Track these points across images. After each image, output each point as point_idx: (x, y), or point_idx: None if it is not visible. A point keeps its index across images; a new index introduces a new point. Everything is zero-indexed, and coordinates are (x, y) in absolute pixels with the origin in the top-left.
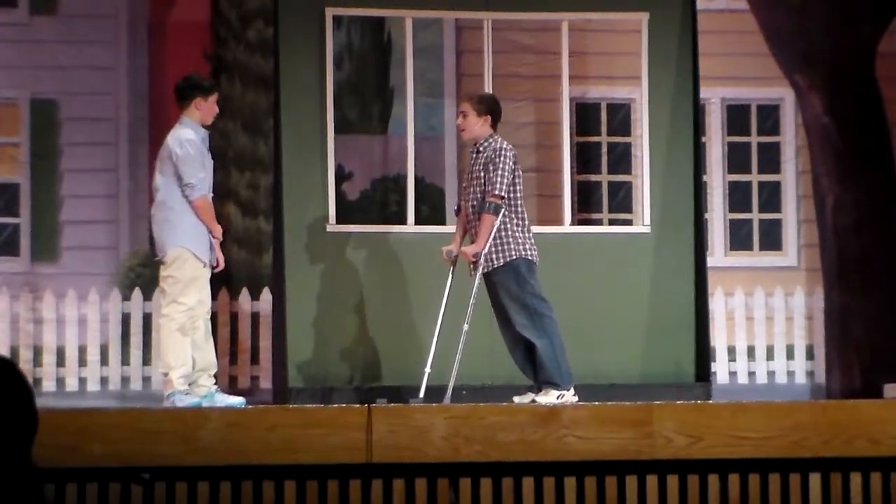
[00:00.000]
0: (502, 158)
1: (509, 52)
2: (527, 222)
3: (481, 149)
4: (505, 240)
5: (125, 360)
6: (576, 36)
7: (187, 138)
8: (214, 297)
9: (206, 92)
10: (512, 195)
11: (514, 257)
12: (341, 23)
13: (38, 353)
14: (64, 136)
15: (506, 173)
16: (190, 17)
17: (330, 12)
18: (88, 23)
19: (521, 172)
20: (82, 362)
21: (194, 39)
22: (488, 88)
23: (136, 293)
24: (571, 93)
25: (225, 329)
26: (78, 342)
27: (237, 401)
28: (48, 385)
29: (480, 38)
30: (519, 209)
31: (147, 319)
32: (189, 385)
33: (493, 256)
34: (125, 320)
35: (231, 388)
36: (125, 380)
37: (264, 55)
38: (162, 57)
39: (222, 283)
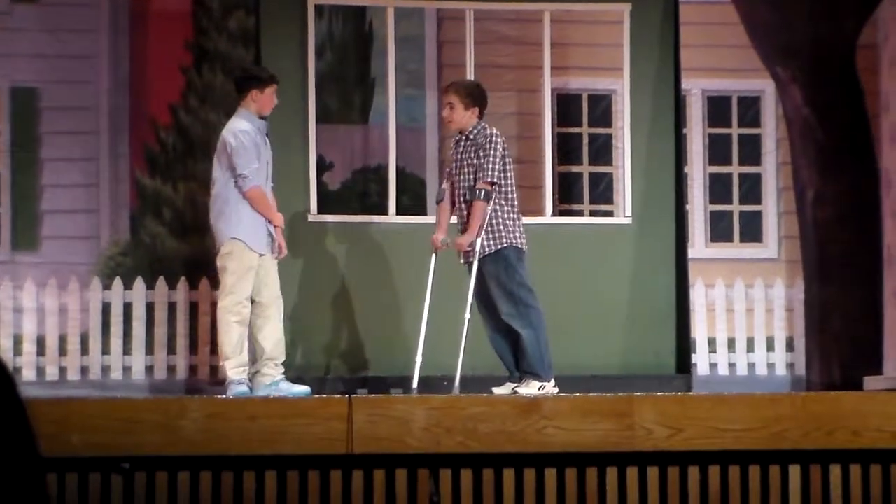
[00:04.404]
0: (493, 145)
1: (491, 42)
2: (517, 209)
3: (471, 136)
4: (497, 227)
5: (106, 350)
6: (557, 26)
7: (241, 129)
8: (195, 286)
9: (262, 84)
10: (503, 182)
11: (505, 245)
12: (323, 12)
13: (18, 342)
14: (44, 125)
15: (497, 160)
16: (171, 7)
17: (312, 2)
18: (69, 11)
19: (510, 159)
20: (63, 351)
21: (176, 29)
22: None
23: (117, 282)
24: (553, 83)
25: (205, 319)
26: (58, 331)
27: (303, 390)
28: (28, 374)
29: (462, 28)
30: (510, 196)
31: (128, 309)
32: (255, 374)
33: (485, 243)
34: (106, 310)
35: (212, 378)
36: (105, 369)
37: (246, 45)
38: (143, 46)
39: (203, 273)
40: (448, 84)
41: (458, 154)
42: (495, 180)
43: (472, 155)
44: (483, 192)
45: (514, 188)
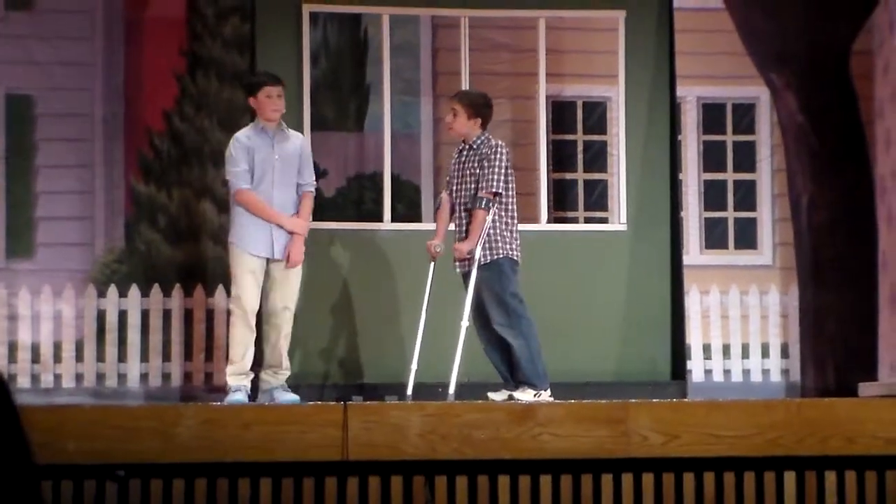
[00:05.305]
0: (497, 156)
1: (486, 49)
2: (516, 221)
3: (473, 146)
4: (494, 237)
5: (100, 357)
6: (552, 34)
7: (235, 137)
8: (190, 293)
9: (253, 88)
10: (505, 193)
11: (501, 256)
12: (318, 19)
13: (13, 349)
14: (39, 132)
15: (501, 170)
16: (166, 13)
17: (307, 9)
18: (64, 18)
19: (513, 171)
20: (57, 359)
21: (170, 35)
22: (465, 86)
23: (112, 289)
24: (547, 91)
25: (200, 326)
26: (53, 338)
27: (291, 398)
28: (23, 381)
29: (457, 35)
30: (510, 207)
31: (122, 316)
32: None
33: (482, 253)
34: (100, 317)
35: (207, 385)
36: (100, 376)
37: (240, 52)
38: (138, 53)
39: (198, 279)
40: (456, 92)
41: (459, 163)
42: (499, 191)
43: (475, 164)
44: (484, 201)
45: (515, 200)
